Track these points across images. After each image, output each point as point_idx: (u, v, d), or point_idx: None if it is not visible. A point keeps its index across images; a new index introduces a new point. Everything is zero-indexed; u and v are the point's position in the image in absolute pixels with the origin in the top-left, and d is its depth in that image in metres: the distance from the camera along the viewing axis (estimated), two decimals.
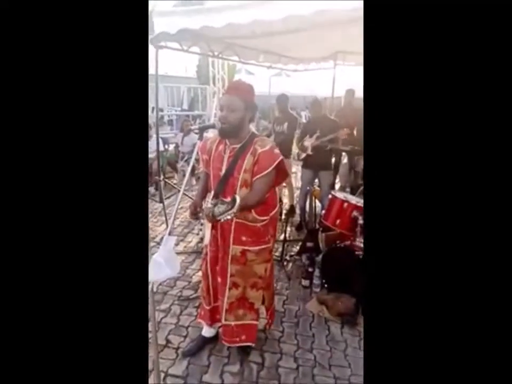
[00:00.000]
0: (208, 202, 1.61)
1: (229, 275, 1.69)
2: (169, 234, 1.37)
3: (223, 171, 1.59)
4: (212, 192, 1.62)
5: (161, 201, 3.82)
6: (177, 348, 1.93)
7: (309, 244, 2.96)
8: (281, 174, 1.65)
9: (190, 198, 4.49)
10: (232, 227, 1.62)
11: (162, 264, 1.30)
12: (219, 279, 1.74)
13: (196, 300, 2.38)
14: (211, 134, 3.23)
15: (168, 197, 4.46)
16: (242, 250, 1.66)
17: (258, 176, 1.54)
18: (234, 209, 1.24)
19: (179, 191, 4.52)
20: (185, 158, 5.26)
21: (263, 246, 1.69)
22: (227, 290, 1.72)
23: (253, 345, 1.87)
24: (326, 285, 2.50)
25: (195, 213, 1.67)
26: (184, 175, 5.34)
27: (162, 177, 4.08)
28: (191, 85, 9.44)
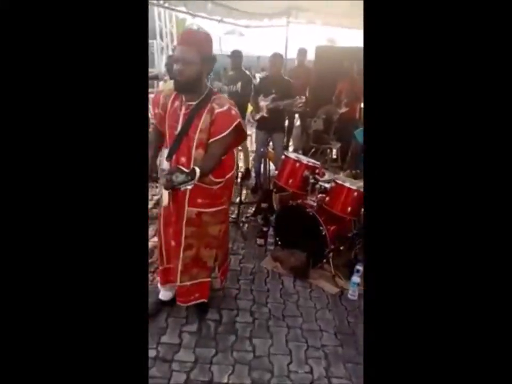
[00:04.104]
0: (162, 162, 1.53)
1: (183, 237, 1.67)
2: None
3: (178, 129, 1.51)
4: (166, 151, 1.54)
5: None
6: None
7: (264, 205, 3.02)
8: (239, 136, 1.60)
9: None
10: (188, 190, 1.57)
11: None
12: (172, 242, 1.71)
13: (151, 265, 2.35)
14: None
15: None
16: (197, 212, 1.63)
17: (214, 138, 1.48)
18: (195, 181, 1.22)
19: None
20: None
21: (218, 208, 1.67)
22: (181, 252, 1.70)
23: (206, 301, 1.91)
24: (279, 243, 2.59)
25: (150, 175, 1.59)
26: None
27: None
28: None
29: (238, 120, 1.50)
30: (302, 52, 4.61)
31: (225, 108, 1.48)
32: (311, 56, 5.17)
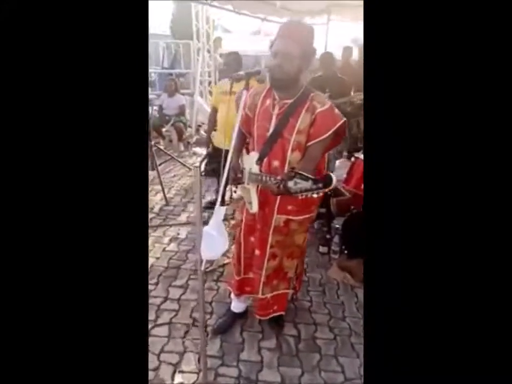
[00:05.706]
0: (252, 166, 1.40)
1: (268, 246, 1.54)
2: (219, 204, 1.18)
3: (271, 131, 1.38)
4: (254, 155, 1.41)
5: (153, 168, 3.52)
6: (205, 326, 1.80)
7: (321, 210, 2.85)
8: (338, 137, 1.44)
9: (183, 164, 4.20)
10: (278, 196, 1.43)
11: (216, 237, 1.12)
12: (256, 251, 1.58)
13: (213, 272, 2.24)
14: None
15: (159, 164, 4.13)
16: (286, 220, 1.49)
17: (315, 140, 1.33)
18: (331, 187, 1.05)
19: (171, 157, 4.24)
20: (172, 121, 4.86)
21: (306, 216, 1.53)
22: (265, 262, 1.57)
23: (283, 314, 1.78)
24: (345, 251, 2.43)
25: (237, 179, 1.46)
26: (170, 141, 4.98)
27: (153, 142, 3.74)
28: (171, 40, 8.63)
29: (343, 120, 1.35)
30: (348, 50, 4.44)
31: (327, 106, 1.33)
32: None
